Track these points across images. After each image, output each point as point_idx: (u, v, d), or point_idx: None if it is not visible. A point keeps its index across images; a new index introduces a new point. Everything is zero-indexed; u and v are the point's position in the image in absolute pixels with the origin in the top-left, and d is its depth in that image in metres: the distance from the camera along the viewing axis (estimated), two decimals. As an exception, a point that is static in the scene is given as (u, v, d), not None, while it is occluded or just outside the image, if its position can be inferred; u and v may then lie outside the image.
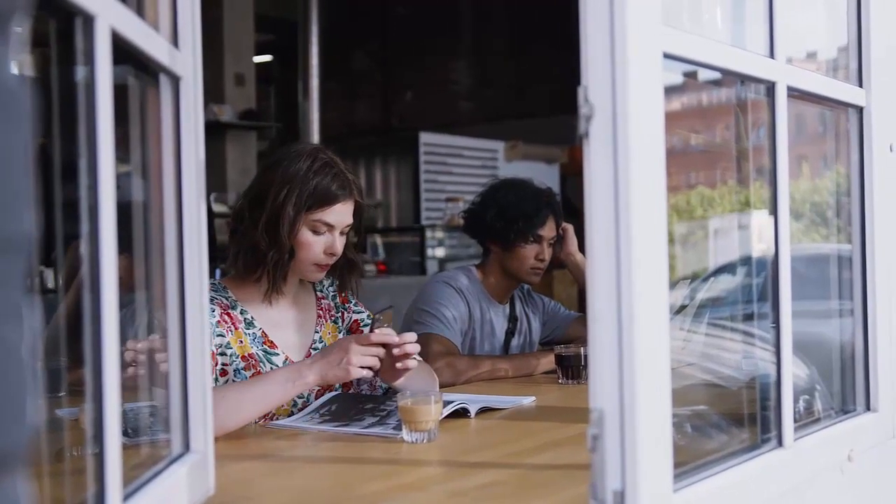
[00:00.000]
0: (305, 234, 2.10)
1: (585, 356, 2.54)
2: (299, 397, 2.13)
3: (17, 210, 0.51)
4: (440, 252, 7.46)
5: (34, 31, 0.74)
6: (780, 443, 1.44)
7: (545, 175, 7.03)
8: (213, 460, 1.36)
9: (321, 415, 2.03)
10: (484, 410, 2.10)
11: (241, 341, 2.10)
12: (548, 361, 2.72)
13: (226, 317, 2.09)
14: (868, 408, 1.74)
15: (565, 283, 5.86)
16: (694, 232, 1.82)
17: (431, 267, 7.25)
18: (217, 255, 3.01)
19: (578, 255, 2.99)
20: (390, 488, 1.51)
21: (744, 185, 1.85)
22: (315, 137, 7.00)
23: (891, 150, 1.79)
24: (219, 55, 7.08)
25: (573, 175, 7.82)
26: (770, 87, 1.46)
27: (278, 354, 2.14)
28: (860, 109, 1.75)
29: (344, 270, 2.24)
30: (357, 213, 2.17)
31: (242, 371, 2.07)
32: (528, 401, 2.26)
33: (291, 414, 2.09)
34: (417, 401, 1.79)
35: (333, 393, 2.12)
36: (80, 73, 0.98)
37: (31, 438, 0.53)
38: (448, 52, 9.75)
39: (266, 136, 7.83)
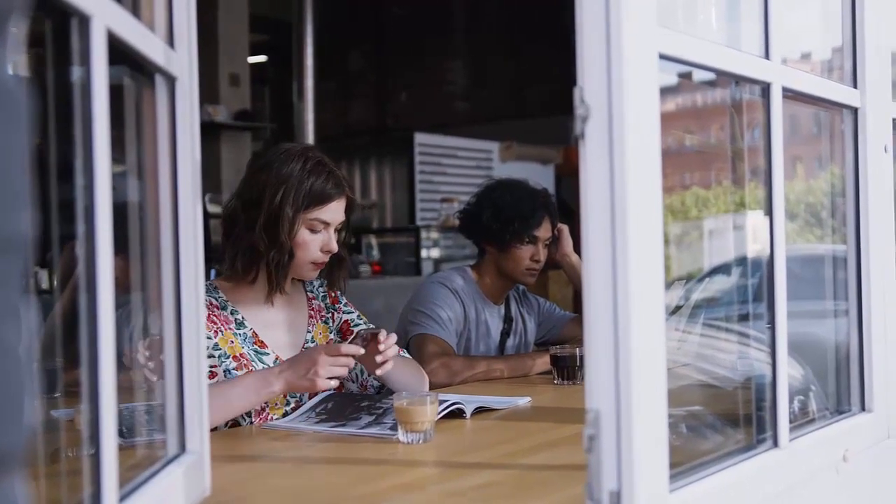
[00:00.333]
0: (303, 234, 2.13)
1: (581, 357, 2.55)
2: (292, 396, 2.15)
3: (14, 210, 0.51)
4: (435, 253, 7.46)
5: (30, 32, 0.73)
6: (775, 443, 1.44)
7: (540, 176, 7.03)
8: (209, 461, 1.36)
9: (317, 413, 2.03)
10: (480, 411, 2.10)
11: (232, 342, 2.11)
12: (543, 362, 2.72)
13: (213, 318, 2.09)
14: (863, 408, 1.74)
15: (560, 283, 5.87)
16: (688, 232, 1.83)
17: (426, 267, 7.26)
18: (212, 255, 3.01)
19: (574, 256, 3.00)
20: (387, 489, 1.51)
21: (738, 186, 1.85)
22: (310, 138, 6.99)
23: (885, 150, 1.79)
24: (213, 55, 7.08)
25: (568, 176, 7.84)
26: (765, 88, 1.47)
27: (268, 354, 2.15)
28: (855, 110, 1.75)
29: (333, 267, 2.25)
30: (348, 209, 2.20)
31: (234, 371, 2.08)
32: (523, 401, 2.26)
33: (286, 414, 2.10)
34: (413, 401, 1.79)
35: (327, 392, 2.12)
36: (76, 73, 0.97)
37: (28, 439, 0.53)
38: (443, 52, 9.76)
39: (261, 137, 7.82)
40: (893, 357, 1.79)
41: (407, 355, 2.44)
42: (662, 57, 1.19)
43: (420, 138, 8.15)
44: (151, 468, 1.21)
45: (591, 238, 1.11)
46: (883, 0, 1.79)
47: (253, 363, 2.11)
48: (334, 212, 2.16)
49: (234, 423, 2.06)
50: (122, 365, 1.13)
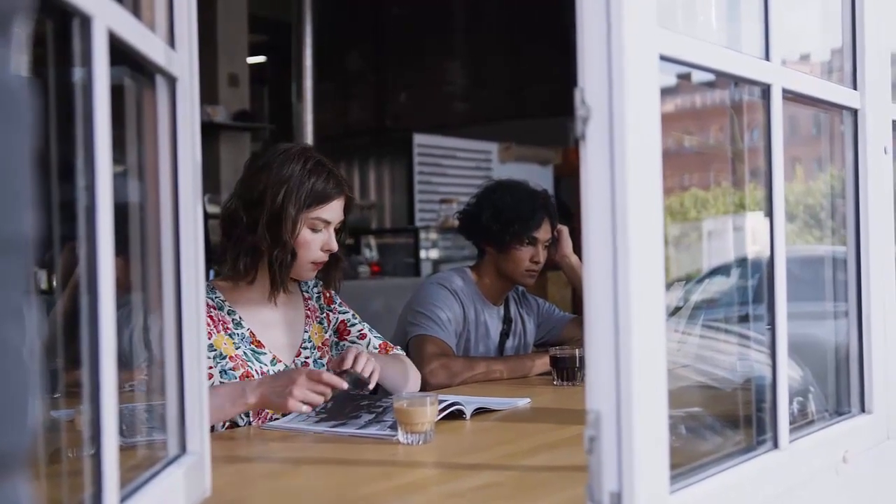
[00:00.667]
0: (305, 233, 2.14)
1: (580, 358, 2.55)
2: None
3: (17, 211, 0.51)
4: (434, 253, 7.46)
5: (31, 32, 0.73)
6: (775, 444, 1.44)
7: (539, 177, 7.03)
8: (210, 462, 1.36)
9: (317, 413, 2.03)
10: (479, 412, 2.10)
11: (227, 342, 2.11)
12: (543, 363, 2.72)
13: (210, 318, 2.10)
14: (863, 409, 1.74)
15: (559, 284, 5.87)
16: (688, 234, 1.82)
17: (425, 268, 7.25)
18: (211, 256, 3.01)
19: (573, 257, 3.00)
20: (387, 490, 1.51)
21: (738, 187, 1.85)
22: (309, 138, 6.99)
23: (885, 152, 1.80)
24: (213, 56, 7.08)
25: (567, 177, 7.83)
26: (765, 90, 1.47)
27: (266, 354, 2.17)
28: (855, 112, 1.75)
29: (329, 267, 2.26)
30: (346, 208, 2.22)
31: (231, 371, 2.09)
32: (523, 402, 2.26)
33: (286, 414, 2.10)
34: (413, 402, 1.79)
35: None
36: (77, 73, 0.97)
37: (31, 440, 0.53)
38: (442, 53, 9.76)
39: (260, 137, 7.82)
40: (893, 358, 1.79)
41: (400, 351, 2.44)
42: (663, 58, 1.19)
43: (419, 139, 8.15)
44: (152, 469, 1.21)
45: (592, 239, 1.11)
46: (883, 1, 1.79)
47: (250, 363, 2.12)
48: (335, 211, 2.18)
49: (233, 424, 2.06)
50: (123, 366, 1.12)
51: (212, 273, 2.42)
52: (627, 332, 1.09)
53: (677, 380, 1.46)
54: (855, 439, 1.67)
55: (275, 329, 2.22)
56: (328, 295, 2.37)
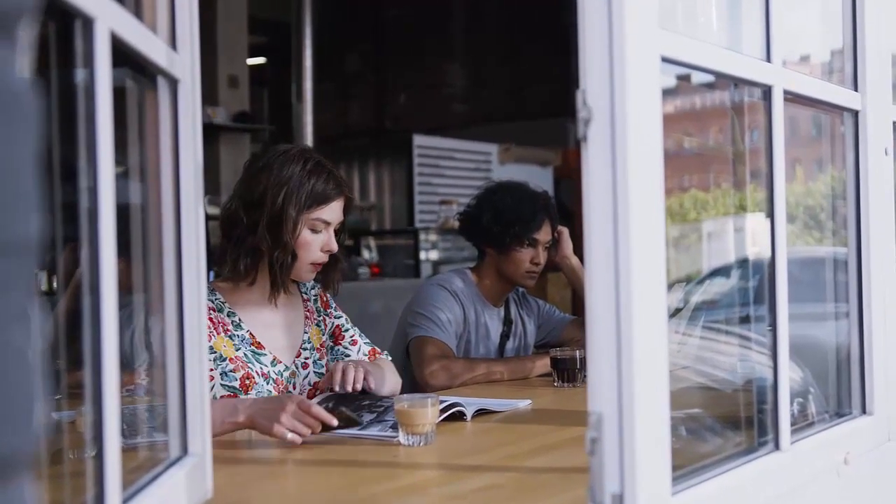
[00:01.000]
0: (305, 234, 2.15)
1: (581, 359, 2.55)
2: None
3: (23, 213, 0.51)
4: (434, 255, 7.46)
5: (36, 34, 0.73)
6: (776, 446, 1.44)
7: (539, 178, 7.03)
8: (211, 463, 1.36)
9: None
10: (480, 413, 2.10)
11: (227, 344, 2.11)
12: (543, 364, 2.72)
13: (209, 320, 2.10)
14: (864, 411, 1.74)
15: (559, 285, 5.87)
16: (687, 235, 1.82)
17: (425, 270, 7.25)
18: (211, 257, 3.01)
19: (574, 259, 3.00)
20: (388, 491, 1.51)
21: (737, 188, 1.85)
22: (308, 139, 6.98)
23: (886, 153, 1.80)
24: (212, 57, 7.07)
25: (567, 178, 7.83)
26: (767, 91, 1.47)
27: (266, 355, 2.17)
28: (855, 113, 1.76)
29: (328, 268, 2.26)
30: (346, 209, 2.23)
31: (231, 373, 2.09)
32: (524, 404, 2.26)
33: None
34: (414, 404, 1.79)
35: (327, 393, 2.12)
36: (80, 75, 0.97)
37: (37, 442, 0.53)
38: (441, 54, 9.76)
39: (259, 139, 7.82)
40: (894, 360, 1.79)
41: (386, 356, 2.44)
42: (665, 60, 1.19)
43: (419, 140, 8.14)
44: (154, 470, 1.21)
45: (594, 240, 1.11)
46: (884, 3, 1.79)
47: (250, 364, 2.13)
48: (335, 211, 2.18)
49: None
50: (124, 368, 1.12)
51: (211, 275, 2.42)
52: (629, 333, 1.09)
53: (678, 381, 1.47)
54: (856, 441, 1.67)
55: (274, 330, 2.23)
56: (325, 298, 2.38)
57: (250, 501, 1.47)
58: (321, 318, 2.36)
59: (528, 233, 2.84)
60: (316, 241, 2.16)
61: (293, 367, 2.22)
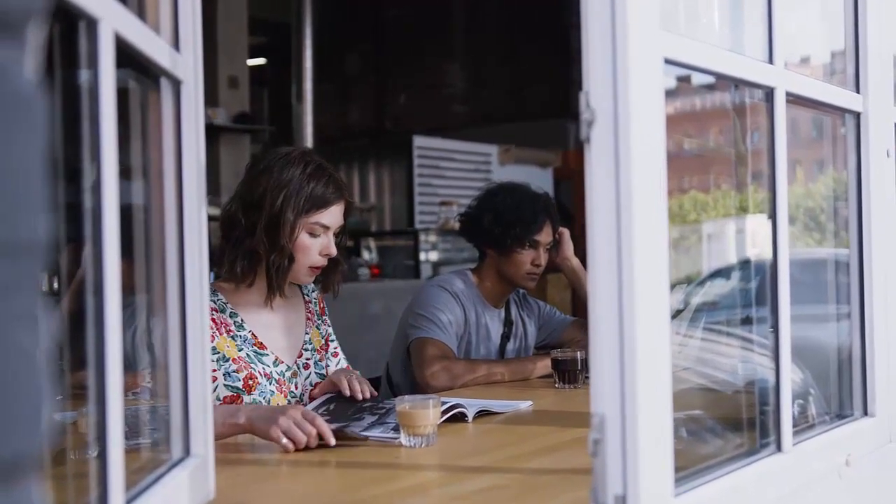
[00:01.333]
0: (304, 238, 2.14)
1: (582, 360, 2.55)
2: (292, 395, 2.18)
3: (31, 215, 0.51)
4: (434, 256, 7.45)
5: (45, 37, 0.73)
6: (779, 447, 1.44)
7: (539, 179, 7.03)
8: (213, 464, 1.36)
9: (320, 415, 2.03)
10: (481, 414, 2.10)
11: (230, 345, 2.12)
12: (544, 365, 2.72)
13: (212, 321, 2.10)
14: (865, 412, 1.74)
15: (559, 286, 5.87)
16: (687, 236, 1.83)
17: (425, 271, 7.24)
18: (212, 258, 3.01)
19: (574, 260, 3.00)
20: (390, 492, 1.51)
21: (737, 190, 1.85)
22: (308, 140, 6.98)
23: (888, 155, 1.80)
24: (212, 58, 7.07)
25: (566, 179, 7.83)
26: (769, 93, 1.47)
27: (268, 355, 2.18)
28: (857, 115, 1.76)
29: (328, 271, 2.26)
30: (346, 213, 2.22)
31: (235, 373, 2.09)
32: (525, 405, 2.26)
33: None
34: (415, 405, 1.79)
35: (328, 394, 2.12)
36: (84, 76, 0.97)
37: (45, 444, 0.53)
38: (441, 54, 9.75)
39: (259, 139, 7.81)
40: (895, 361, 1.79)
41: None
42: (667, 61, 1.19)
43: (418, 141, 8.14)
44: (156, 472, 1.21)
45: (597, 242, 1.11)
46: (885, 4, 1.79)
47: (252, 365, 2.13)
48: (334, 215, 2.18)
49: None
50: (126, 369, 1.12)
51: (211, 276, 2.42)
52: (632, 335, 1.09)
53: (679, 383, 1.47)
54: (858, 442, 1.67)
55: (276, 331, 2.23)
56: (322, 304, 2.38)
57: (252, 502, 1.47)
58: (320, 321, 2.36)
59: (529, 234, 2.84)
60: (315, 244, 2.15)
61: (295, 368, 2.23)
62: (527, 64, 9.12)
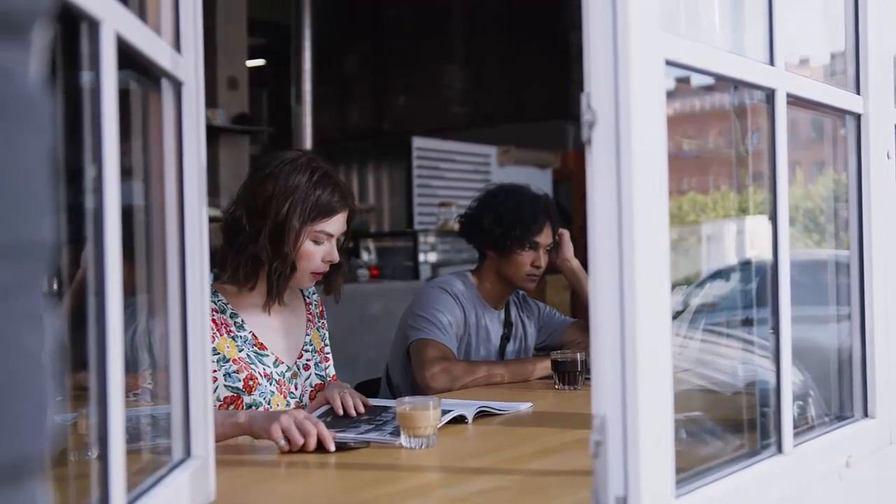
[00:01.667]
0: (307, 246, 2.14)
1: (582, 362, 2.55)
2: (292, 397, 2.19)
3: (37, 217, 0.51)
4: (433, 257, 7.45)
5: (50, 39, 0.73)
6: (779, 449, 1.44)
7: (538, 180, 7.02)
8: (214, 466, 1.36)
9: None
10: (481, 415, 2.10)
11: (230, 345, 2.12)
12: (544, 367, 2.72)
13: (212, 322, 2.10)
14: (866, 414, 1.74)
15: (558, 288, 5.86)
16: (686, 238, 1.83)
17: (424, 272, 7.24)
18: (212, 259, 3.01)
19: (574, 261, 3.00)
20: (391, 494, 1.51)
21: (737, 191, 1.85)
22: (308, 141, 6.98)
23: (888, 157, 1.80)
24: (212, 59, 7.07)
25: (565, 180, 7.83)
26: (770, 94, 1.47)
27: (268, 356, 2.18)
28: (858, 117, 1.76)
29: (330, 274, 2.25)
30: (349, 219, 2.22)
31: (235, 374, 2.09)
32: (525, 406, 2.26)
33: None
34: (416, 406, 1.79)
35: (326, 406, 2.11)
36: (85, 77, 0.97)
37: (49, 446, 0.53)
38: (441, 56, 9.75)
39: (259, 140, 7.81)
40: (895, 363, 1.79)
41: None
42: (668, 63, 1.19)
43: (418, 142, 8.14)
44: (157, 473, 1.21)
45: (598, 243, 1.12)
46: (885, 6, 1.79)
47: (253, 366, 2.13)
48: (338, 224, 2.17)
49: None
50: (127, 370, 1.12)
51: (211, 277, 2.42)
52: (633, 336, 1.10)
53: (680, 384, 1.47)
54: (858, 444, 1.67)
55: (276, 332, 2.23)
56: (320, 309, 2.38)
57: (253, 504, 1.47)
58: (320, 323, 2.36)
59: (529, 235, 2.84)
60: (318, 252, 2.15)
61: (295, 368, 2.23)
62: (526, 65, 9.12)
